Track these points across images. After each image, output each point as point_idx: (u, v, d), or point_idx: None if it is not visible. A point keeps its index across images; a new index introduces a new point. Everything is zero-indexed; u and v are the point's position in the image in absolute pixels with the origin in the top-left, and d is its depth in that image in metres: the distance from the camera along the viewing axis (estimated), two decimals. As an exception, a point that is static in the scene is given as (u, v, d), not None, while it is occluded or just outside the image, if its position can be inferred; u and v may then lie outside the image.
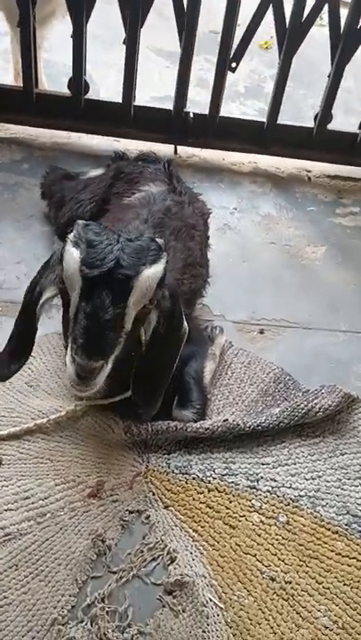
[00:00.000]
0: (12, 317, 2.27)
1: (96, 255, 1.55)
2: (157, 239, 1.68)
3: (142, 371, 1.78)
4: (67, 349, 1.78)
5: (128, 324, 1.62)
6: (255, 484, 1.94)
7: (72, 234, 1.61)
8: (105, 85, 3.45)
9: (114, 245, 1.57)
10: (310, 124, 3.03)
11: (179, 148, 3.11)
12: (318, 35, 3.68)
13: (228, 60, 2.77)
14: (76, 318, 1.59)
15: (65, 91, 2.93)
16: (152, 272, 1.60)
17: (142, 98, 3.10)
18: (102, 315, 1.54)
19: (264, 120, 3.00)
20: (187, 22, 2.65)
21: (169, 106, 2.94)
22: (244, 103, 3.68)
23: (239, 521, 1.86)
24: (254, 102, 3.70)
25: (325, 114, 2.95)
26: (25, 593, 1.64)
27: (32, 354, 2.15)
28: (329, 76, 2.87)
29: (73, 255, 1.57)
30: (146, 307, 1.64)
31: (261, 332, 2.42)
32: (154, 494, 1.89)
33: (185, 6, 2.61)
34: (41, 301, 1.72)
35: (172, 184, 2.19)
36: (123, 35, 2.72)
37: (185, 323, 1.84)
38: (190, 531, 1.82)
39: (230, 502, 1.89)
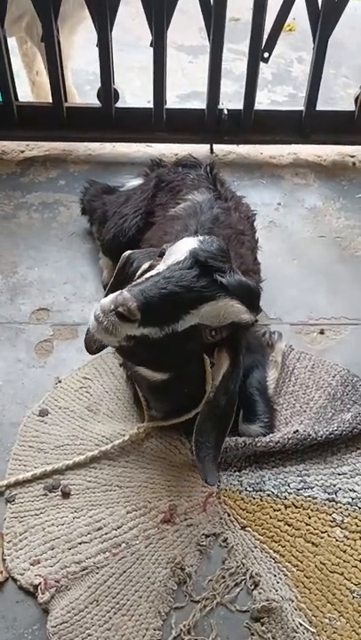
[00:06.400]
0: (65, 341, 2.25)
1: (212, 252, 1.58)
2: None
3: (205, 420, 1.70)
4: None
5: (181, 323, 1.53)
6: (333, 496, 1.85)
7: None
8: (129, 89, 3.36)
9: (228, 264, 1.59)
10: (344, 104, 2.89)
11: (214, 146, 3.01)
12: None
13: (260, 52, 2.65)
14: (147, 277, 1.54)
15: (92, 100, 2.88)
16: (239, 307, 1.56)
17: (169, 98, 2.98)
18: (176, 283, 1.49)
19: (301, 109, 2.87)
20: (214, 14, 2.54)
21: (197, 102, 2.83)
22: (273, 90, 3.55)
23: (321, 537, 1.77)
24: (283, 88, 3.57)
25: (367, 94, 2.80)
26: (108, 629, 1.60)
27: (89, 377, 2.14)
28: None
29: (191, 242, 1.60)
30: (205, 331, 1.57)
31: (321, 332, 2.31)
32: (229, 515, 1.82)
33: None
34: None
35: (217, 190, 2.10)
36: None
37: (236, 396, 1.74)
38: (271, 552, 1.75)
39: (310, 518, 1.81)
